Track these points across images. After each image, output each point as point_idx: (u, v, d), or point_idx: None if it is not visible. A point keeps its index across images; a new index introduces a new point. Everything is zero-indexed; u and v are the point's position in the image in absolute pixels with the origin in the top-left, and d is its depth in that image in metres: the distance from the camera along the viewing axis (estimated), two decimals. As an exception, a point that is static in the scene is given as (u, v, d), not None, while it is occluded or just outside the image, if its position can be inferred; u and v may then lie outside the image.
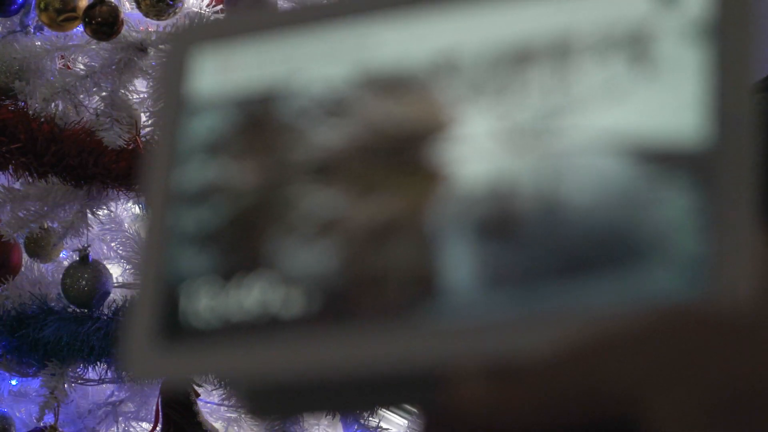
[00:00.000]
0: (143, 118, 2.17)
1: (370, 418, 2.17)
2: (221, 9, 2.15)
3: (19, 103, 2.17)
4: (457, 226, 0.48)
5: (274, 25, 0.54)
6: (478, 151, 0.49)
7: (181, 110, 0.54)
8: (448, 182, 0.49)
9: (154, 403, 2.26)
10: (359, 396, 0.50)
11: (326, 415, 1.99)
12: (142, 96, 2.17)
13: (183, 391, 2.17)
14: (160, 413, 2.23)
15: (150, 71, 2.13)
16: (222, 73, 0.54)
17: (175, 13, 2.14)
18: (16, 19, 2.26)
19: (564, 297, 0.46)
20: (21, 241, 2.25)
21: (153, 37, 2.14)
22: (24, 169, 2.14)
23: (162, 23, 2.16)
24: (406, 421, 2.23)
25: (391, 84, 0.51)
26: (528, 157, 0.48)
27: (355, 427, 2.21)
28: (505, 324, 0.46)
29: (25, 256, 2.28)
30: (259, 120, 0.53)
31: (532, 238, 0.47)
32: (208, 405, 2.29)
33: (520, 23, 0.50)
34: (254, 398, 0.50)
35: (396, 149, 0.50)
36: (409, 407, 0.50)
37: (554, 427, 0.45)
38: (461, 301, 0.47)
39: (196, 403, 2.23)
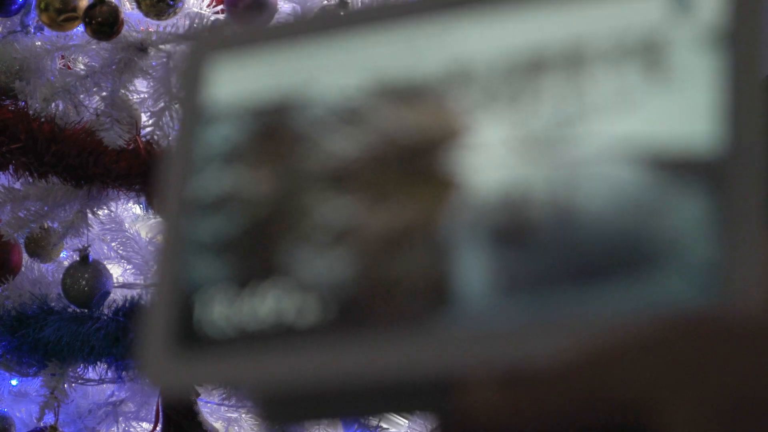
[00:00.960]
0: (143, 118, 2.17)
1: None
2: (222, 9, 2.15)
3: (20, 103, 2.17)
4: (471, 234, 0.48)
5: (288, 34, 0.54)
6: (492, 159, 0.49)
7: (197, 119, 0.54)
8: (462, 190, 0.49)
9: (154, 403, 2.26)
10: (374, 403, 0.50)
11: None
12: (142, 96, 2.17)
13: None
14: (161, 413, 2.23)
15: (150, 71, 2.13)
16: (237, 83, 0.54)
17: (175, 13, 2.13)
18: (16, 19, 2.26)
19: (577, 304, 0.46)
20: (21, 241, 2.24)
21: (153, 37, 2.13)
22: (24, 169, 2.14)
23: (162, 23, 2.16)
24: (406, 422, 2.22)
25: (405, 92, 0.51)
26: (542, 165, 0.48)
27: (355, 427, 2.21)
28: (518, 331, 0.47)
29: (25, 256, 2.28)
30: (274, 129, 0.53)
31: (546, 245, 0.47)
32: (208, 405, 2.29)
33: (534, 31, 0.50)
34: (269, 406, 0.50)
35: (410, 158, 0.50)
36: (420, 414, 0.50)
37: (569, 435, 0.45)
38: (475, 309, 0.47)
39: (196, 403, 2.23)
